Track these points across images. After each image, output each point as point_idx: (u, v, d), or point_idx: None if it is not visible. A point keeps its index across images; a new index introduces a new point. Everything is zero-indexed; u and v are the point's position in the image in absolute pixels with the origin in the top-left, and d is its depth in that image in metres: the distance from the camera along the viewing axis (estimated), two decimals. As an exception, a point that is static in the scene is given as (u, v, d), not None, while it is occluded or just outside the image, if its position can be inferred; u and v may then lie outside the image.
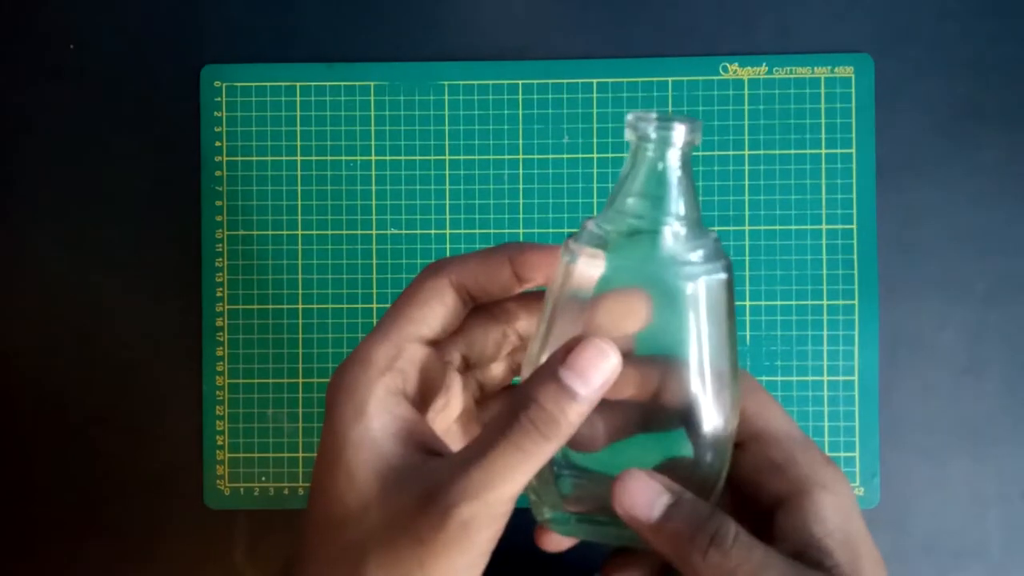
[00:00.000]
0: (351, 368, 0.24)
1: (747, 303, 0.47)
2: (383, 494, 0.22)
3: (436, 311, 0.25)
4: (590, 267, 0.24)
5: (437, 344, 0.26)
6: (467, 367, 0.29)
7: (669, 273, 0.24)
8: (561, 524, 0.26)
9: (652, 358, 0.25)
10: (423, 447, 0.23)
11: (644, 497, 0.23)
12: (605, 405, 0.23)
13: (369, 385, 0.23)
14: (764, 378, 0.46)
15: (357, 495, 0.22)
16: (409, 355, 0.24)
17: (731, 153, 0.47)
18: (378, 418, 0.23)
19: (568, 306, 0.24)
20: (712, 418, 0.24)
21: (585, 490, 0.25)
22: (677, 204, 0.24)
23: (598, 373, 0.22)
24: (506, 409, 0.22)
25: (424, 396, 0.26)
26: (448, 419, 0.28)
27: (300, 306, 0.47)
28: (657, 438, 0.25)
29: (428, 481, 0.22)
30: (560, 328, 0.24)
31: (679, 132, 0.24)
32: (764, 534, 0.24)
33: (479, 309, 0.27)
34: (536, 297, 0.28)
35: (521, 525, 0.47)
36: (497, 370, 0.30)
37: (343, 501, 0.22)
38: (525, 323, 0.28)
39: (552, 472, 0.25)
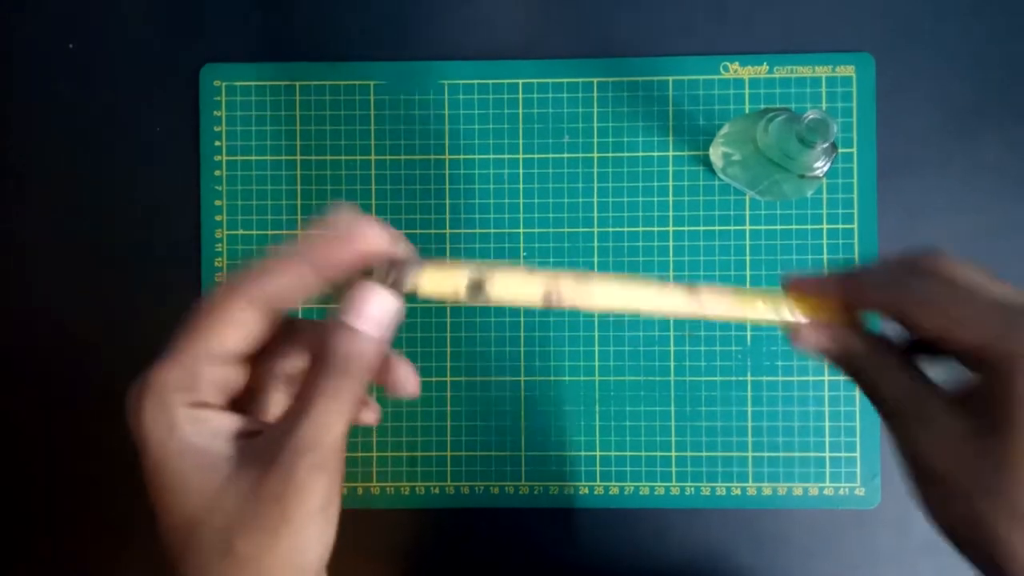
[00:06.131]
0: (149, 396, 0.24)
1: (748, 303, 0.46)
2: (226, 482, 0.23)
3: (229, 336, 0.24)
4: None
5: (248, 355, 0.25)
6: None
7: None
8: None
9: None
10: (244, 432, 0.25)
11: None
12: None
13: (171, 407, 0.24)
14: (765, 378, 0.46)
15: (200, 495, 0.23)
16: (209, 376, 0.24)
17: (732, 153, 0.47)
18: (191, 425, 0.24)
19: None
20: None
21: None
22: None
23: (372, 306, 0.24)
24: (312, 364, 0.24)
25: (238, 396, 0.26)
26: (277, 388, 0.28)
27: (299, 307, 0.47)
28: None
29: (265, 453, 0.23)
30: None
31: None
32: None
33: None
34: None
35: (519, 526, 0.47)
36: None
37: (189, 505, 0.23)
38: None
39: None
